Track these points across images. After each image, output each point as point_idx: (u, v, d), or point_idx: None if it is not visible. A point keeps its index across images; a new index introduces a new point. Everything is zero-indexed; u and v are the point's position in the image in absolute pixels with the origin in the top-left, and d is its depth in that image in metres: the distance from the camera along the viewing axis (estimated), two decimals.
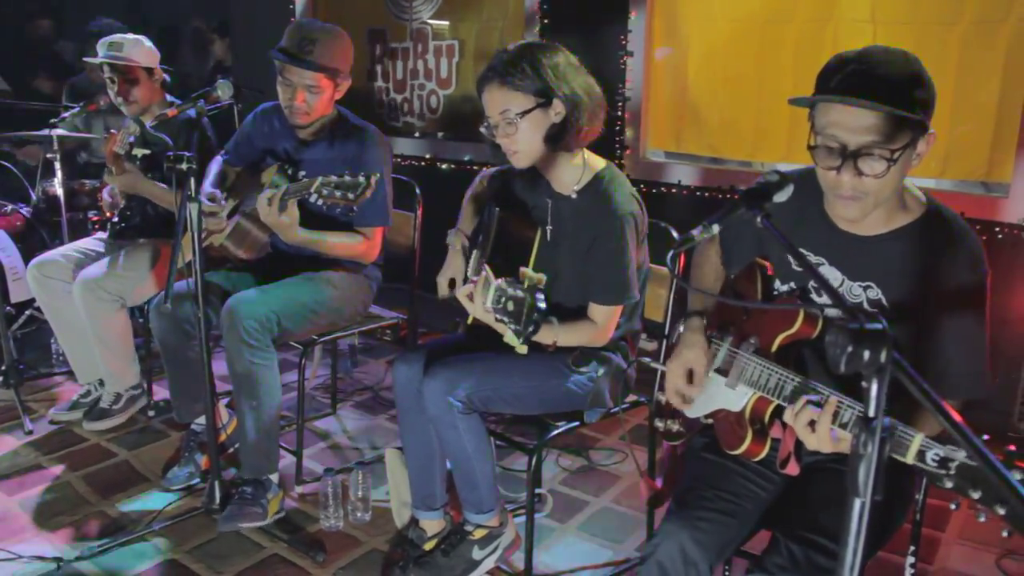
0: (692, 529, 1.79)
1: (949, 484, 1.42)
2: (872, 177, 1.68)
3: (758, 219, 1.55)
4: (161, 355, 3.10)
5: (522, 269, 2.09)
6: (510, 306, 2.01)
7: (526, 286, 1.99)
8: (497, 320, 2.05)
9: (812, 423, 1.64)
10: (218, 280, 3.04)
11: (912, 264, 1.80)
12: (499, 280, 2.05)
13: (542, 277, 2.04)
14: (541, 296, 1.97)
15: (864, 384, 1.16)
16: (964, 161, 3.53)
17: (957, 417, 1.13)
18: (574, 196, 2.45)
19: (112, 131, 3.51)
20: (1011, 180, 3.39)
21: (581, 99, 2.33)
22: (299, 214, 2.77)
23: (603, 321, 2.41)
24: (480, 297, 2.10)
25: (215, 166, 3.24)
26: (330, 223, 2.90)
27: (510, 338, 2.04)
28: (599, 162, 2.48)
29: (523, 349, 2.06)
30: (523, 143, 2.34)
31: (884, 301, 1.82)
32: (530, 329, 1.98)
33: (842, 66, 1.67)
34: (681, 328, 2.05)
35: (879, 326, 1.14)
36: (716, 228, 1.61)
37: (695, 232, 1.63)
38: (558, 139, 2.34)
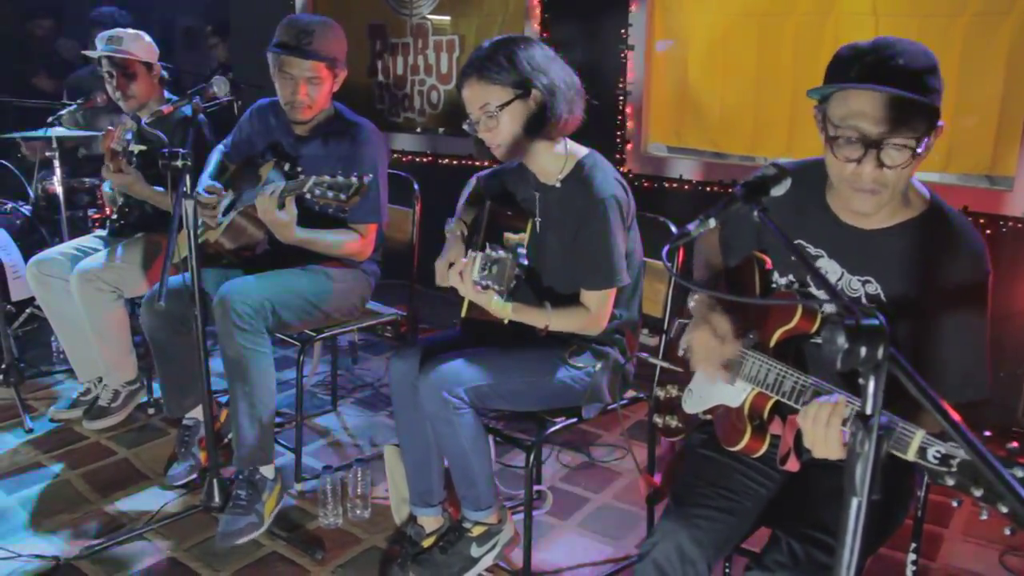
0: (690, 527, 1.78)
1: (951, 482, 1.39)
2: (895, 168, 1.65)
3: (755, 213, 1.53)
4: (151, 350, 3.09)
5: (505, 234, 2.12)
6: (494, 269, 2.05)
7: (507, 247, 2.05)
8: (485, 289, 2.07)
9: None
10: (212, 276, 3.02)
11: (913, 260, 1.77)
12: (484, 251, 2.08)
13: (523, 236, 2.08)
14: (523, 251, 2.03)
15: (861, 381, 1.14)
16: (968, 155, 3.50)
17: (955, 416, 1.12)
18: (559, 185, 2.45)
19: (109, 127, 3.49)
20: (1015, 174, 3.37)
21: (559, 88, 2.34)
22: (297, 212, 2.76)
23: (596, 307, 2.40)
24: (468, 273, 2.13)
25: (215, 156, 3.23)
26: (323, 218, 2.88)
27: (495, 304, 2.09)
28: (581, 150, 2.49)
29: (507, 310, 2.11)
30: (504, 135, 2.35)
31: (883, 296, 1.80)
32: (512, 284, 2.02)
33: (859, 56, 1.65)
34: (691, 303, 2.01)
35: (876, 322, 1.12)
36: (713, 222, 1.59)
37: (691, 227, 1.61)
38: (538, 129, 2.35)
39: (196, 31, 6.47)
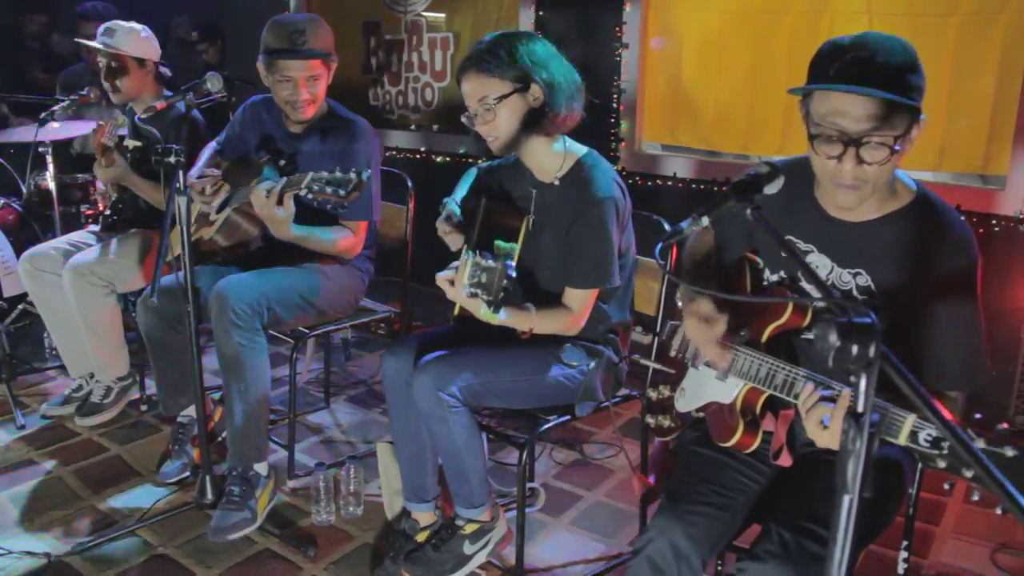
0: (684, 524, 1.78)
1: (942, 464, 1.40)
2: (874, 164, 1.67)
3: (748, 211, 1.54)
4: (147, 348, 3.09)
5: (496, 242, 2.11)
6: (483, 278, 2.03)
7: (497, 255, 2.04)
8: (472, 296, 2.06)
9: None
10: (207, 274, 3.01)
11: (901, 250, 1.79)
12: (475, 257, 2.07)
13: (514, 246, 2.07)
14: (512, 264, 2.01)
15: (853, 379, 1.14)
16: (961, 154, 3.51)
17: (947, 414, 1.12)
18: (556, 183, 2.45)
19: (100, 122, 3.47)
20: (1008, 173, 3.38)
21: (559, 84, 2.33)
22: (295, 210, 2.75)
23: (578, 306, 2.40)
24: (459, 279, 2.11)
25: (206, 153, 3.22)
26: (315, 215, 2.88)
27: (484, 312, 2.07)
28: (580, 149, 2.48)
29: (495, 319, 2.10)
30: (502, 129, 2.34)
31: (873, 288, 1.81)
32: (500, 296, 2.01)
33: (839, 53, 1.66)
34: (678, 295, 2.03)
35: (867, 320, 1.12)
36: (706, 220, 1.60)
37: (684, 224, 1.62)
38: (536, 124, 2.34)
39: (186, 32, 6.43)
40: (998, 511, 1.33)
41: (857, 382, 1.14)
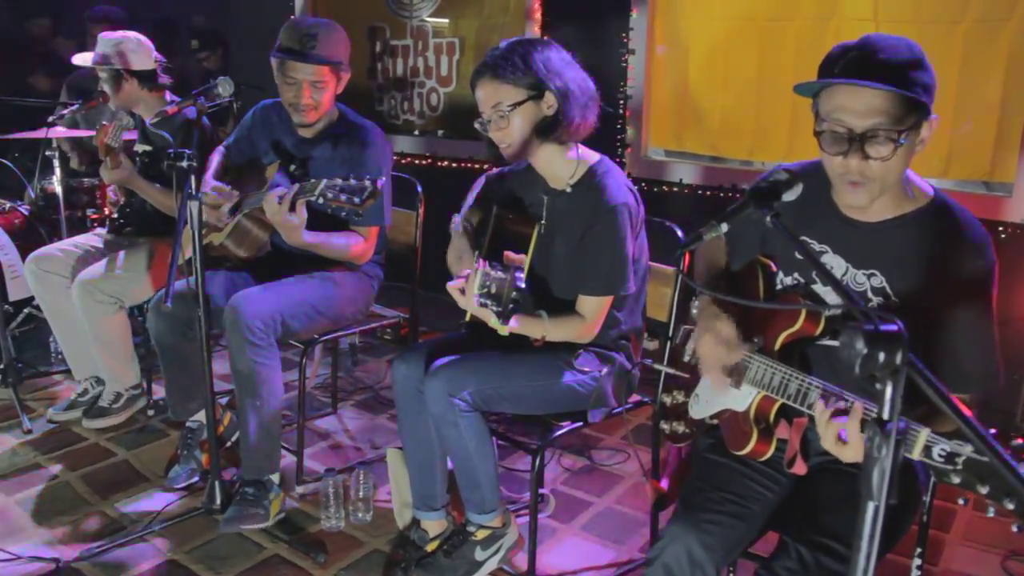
0: (699, 531, 1.78)
1: (956, 480, 1.40)
2: (879, 160, 1.69)
3: (767, 219, 1.54)
4: (157, 354, 3.09)
5: (506, 253, 2.12)
6: (493, 288, 2.05)
7: (506, 266, 2.06)
8: (481, 306, 2.07)
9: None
10: (217, 279, 3.01)
11: (917, 251, 1.79)
12: (485, 267, 2.08)
13: (523, 257, 2.09)
14: (521, 275, 2.04)
15: (878, 387, 1.14)
16: (967, 161, 3.51)
17: (967, 412, 1.12)
18: (569, 190, 2.45)
19: (104, 123, 3.47)
20: (1014, 180, 3.38)
21: (573, 92, 2.34)
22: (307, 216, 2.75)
23: (591, 314, 2.40)
24: (470, 288, 2.11)
25: (216, 157, 3.22)
26: (326, 220, 2.88)
27: (494, 322, 2.10)
28: (592, 155, 2.49)
29: (504, 330, 2.13)
30: (515, 136, 2.35)
31: (888, 289, 1.82)
32: (509, 307, 2.03)
33: (845, 53, 1.70)
34: (694, 304, 2.03)
35: (894, 328, 1.12)
36: (724, 227, 1.61)
37: (702, 231, 1.62)
38: (550, 132, 2.35)
39: (186, 40, 6.45)
40: (1014, 528, 1.34)
41: (883, 389, 1.14)
